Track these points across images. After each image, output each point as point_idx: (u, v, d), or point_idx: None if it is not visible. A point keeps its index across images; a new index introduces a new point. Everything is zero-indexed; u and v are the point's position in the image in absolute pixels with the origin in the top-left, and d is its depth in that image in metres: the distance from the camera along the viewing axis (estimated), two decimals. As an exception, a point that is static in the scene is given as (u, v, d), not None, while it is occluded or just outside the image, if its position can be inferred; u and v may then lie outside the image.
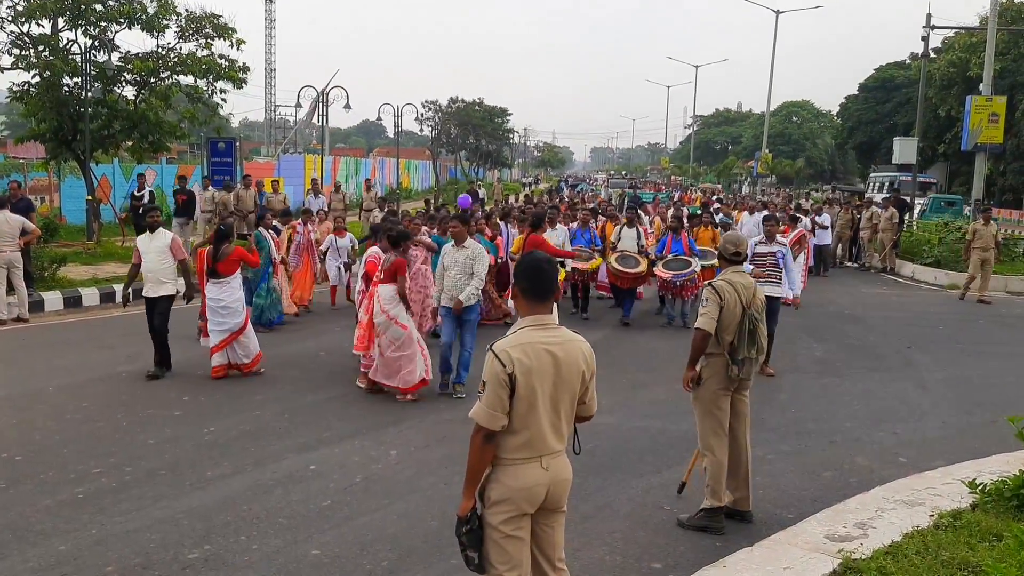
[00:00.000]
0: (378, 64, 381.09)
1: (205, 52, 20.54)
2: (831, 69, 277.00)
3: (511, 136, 79.88)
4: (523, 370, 3.34)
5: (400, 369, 8.67)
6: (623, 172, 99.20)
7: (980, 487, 4.96)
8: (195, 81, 20.77)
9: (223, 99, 21.49)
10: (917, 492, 5.27)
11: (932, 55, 43.46)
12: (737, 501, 5.67)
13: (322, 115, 32.04)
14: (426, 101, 61.69)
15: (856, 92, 62.02)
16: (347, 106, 29.56)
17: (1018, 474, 4.79)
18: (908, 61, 56.46)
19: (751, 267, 10.22)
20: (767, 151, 48.66)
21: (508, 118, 73.75)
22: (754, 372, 5.73)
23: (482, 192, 32.83)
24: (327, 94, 30.91)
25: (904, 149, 30.24)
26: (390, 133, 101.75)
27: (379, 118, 40.54)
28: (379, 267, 8.97)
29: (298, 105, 39.18)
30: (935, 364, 11.06)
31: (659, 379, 9.77)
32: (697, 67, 74.28)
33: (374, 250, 9.47)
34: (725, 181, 73.08)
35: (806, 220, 19.01)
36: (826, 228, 19.62)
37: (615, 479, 6.55)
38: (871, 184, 41.65)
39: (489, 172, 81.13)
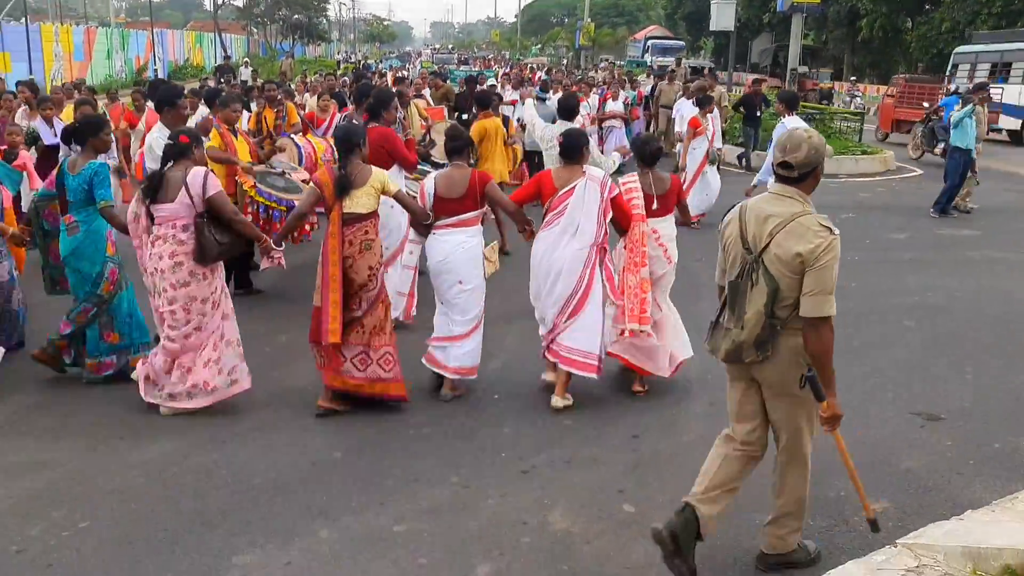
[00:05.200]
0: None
1: None
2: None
3: (327, 6, 73.11)
4: None
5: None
6: (449, 46, 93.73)
7: None
8: None
9: None
10: None
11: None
12: None
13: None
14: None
15: (685, -42, 59.22)
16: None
17: None
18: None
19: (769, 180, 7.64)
20: (589, 21, 45.34)
21: (325, -14, 67.32)
22: None
23: (246, 72, 27.73)
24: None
25: (721, 14, 27.66)
26: (208, 6, 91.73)
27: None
28: (624, 191, 5.65)
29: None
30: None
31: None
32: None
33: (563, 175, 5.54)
34: (551, 53, 69.37)
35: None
36: None
37: None
38: (958, 68, 23.04)
39: (308, 48, 74.25)
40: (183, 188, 5.03)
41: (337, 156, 5.31)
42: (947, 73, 23.70)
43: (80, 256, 5.49)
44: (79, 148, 5.60)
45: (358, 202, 5.15)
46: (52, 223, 6.02)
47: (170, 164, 5.12)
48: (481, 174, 5.61)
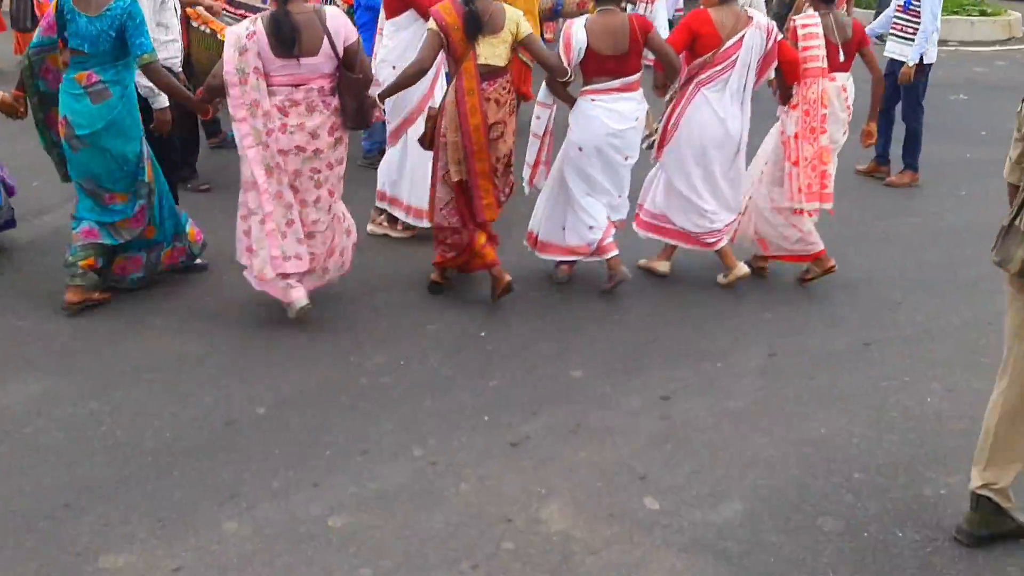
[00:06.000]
0: None
1: None
2: None
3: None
4: None
5: None
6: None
7: None
8: None
9: None
10: None
11: None
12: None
13: None
14: None
15: None
16: None
17: None
18: None
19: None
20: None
21: None
22: None
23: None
24: None
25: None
26: None
27: None
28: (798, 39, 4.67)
29: None
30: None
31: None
32: None
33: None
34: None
35: None
36: None
37: None
38: None
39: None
40: (325, 36, 3.90)
41: None
42: None
43: (116, 131, 4.07)
44: None
45: (494, 52, 4.20)
46: (51, 84, 4.33)
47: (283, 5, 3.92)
48: (641, 20, 4.54)
